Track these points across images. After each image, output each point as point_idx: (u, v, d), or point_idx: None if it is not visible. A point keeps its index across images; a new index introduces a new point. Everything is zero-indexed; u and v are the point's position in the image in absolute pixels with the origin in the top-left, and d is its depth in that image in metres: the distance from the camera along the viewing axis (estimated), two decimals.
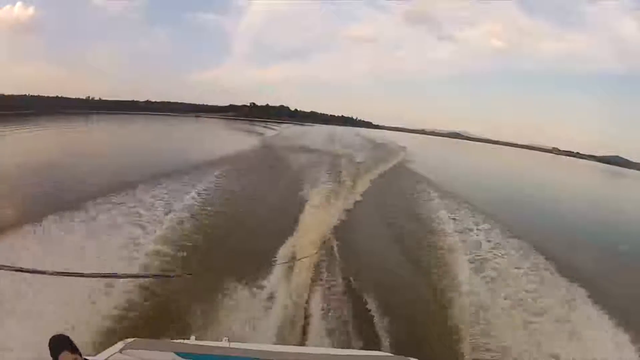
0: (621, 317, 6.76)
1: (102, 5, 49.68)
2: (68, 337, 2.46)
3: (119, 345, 2.94)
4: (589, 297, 7.62)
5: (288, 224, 9.61)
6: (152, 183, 11.66)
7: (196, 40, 56.11)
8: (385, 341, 6.16)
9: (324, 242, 9.28)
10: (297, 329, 6.36)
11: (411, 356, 3.51)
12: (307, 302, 6.92)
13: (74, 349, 2.41)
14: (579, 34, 53.28)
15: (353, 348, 6.04)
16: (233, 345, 3.46)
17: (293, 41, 61.17)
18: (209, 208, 10.43)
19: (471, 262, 8.89)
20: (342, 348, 5.98)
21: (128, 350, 2.80)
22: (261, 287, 6.94)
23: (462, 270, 8.42)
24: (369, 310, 6.58)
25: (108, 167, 15.97)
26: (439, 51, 58.43)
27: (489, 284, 8.06)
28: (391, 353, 4.17)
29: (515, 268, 8.89)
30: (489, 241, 10.42)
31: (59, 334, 2.46)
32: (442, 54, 58.03)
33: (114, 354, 2.77)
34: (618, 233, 14.91)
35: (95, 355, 2.86)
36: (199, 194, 11.60)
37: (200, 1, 47.47)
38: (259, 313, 6.45)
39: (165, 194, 10.89)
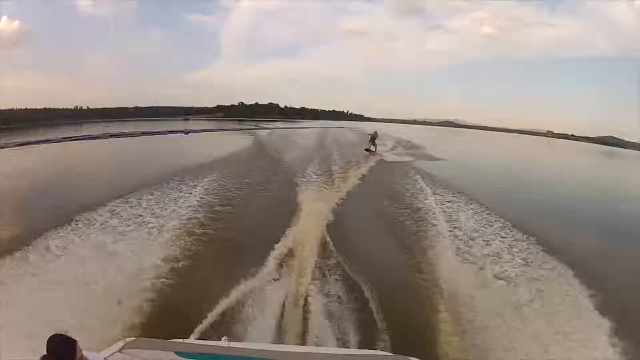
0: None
1: (89, 14, 48.81)
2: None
3: (119, 344, 3.05)
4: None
5: None
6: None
7: (185, 42, 55.23)
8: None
9: None
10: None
11: (411, 355, 3.65)
12: None
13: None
14: (570, 19, 53.14)
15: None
16: (232, 344, 3.59)
17: (282, 37, 60.38)
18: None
19: None
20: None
21: (128, 350, 2.92)
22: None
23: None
24: None
25: (120, 172, 16.62)
26: (430, 41, 57.91)
27: None
28: (391, 353, 4.31)
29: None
30: None
31: (57, 334, 2.56)
32: (434, 44, 57.67)
33: (114, 352, 2.90)
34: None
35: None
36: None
37: (189, 2, 46.66)
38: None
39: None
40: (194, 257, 8.58)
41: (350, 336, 6.27)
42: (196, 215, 11.17)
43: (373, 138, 26.16)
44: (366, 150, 25.44)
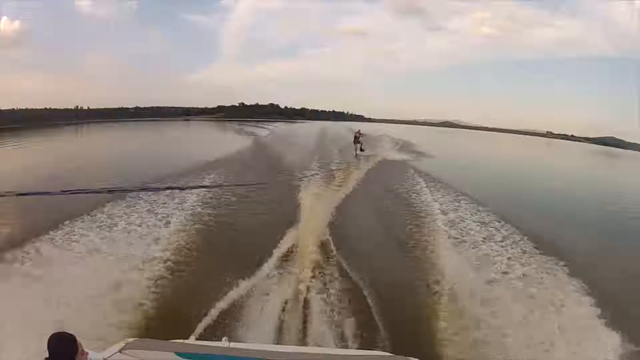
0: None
1: (89, 14, 48.86)
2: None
3: (119, 344, 3.06)
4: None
5: None
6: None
7: (185, 42, 55.22)
8: None
9: None
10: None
11: (412, 355, 3.66)
12: None
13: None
14: (570, 19, 53.06)
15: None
16: (233, 345, 3.60)
17: (282, 38, 60.38)
18: None
19: None
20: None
21: (128, 350, 2.93)
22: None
23: None
24: None
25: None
26: (430, 42, 57.79)
27: None
28: (391, 353, 4.33)
29: None
30: None
31: (56, 332, 2.56)
32: (434, 45, 57.55)
33: (114, 353, 2.90)
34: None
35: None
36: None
37: (189, 2, 46.61)
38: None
39: None
40: None
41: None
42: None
43: (357, 138, 24.62)
44: (356, 155, 23.82)
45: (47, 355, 2.61)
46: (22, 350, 4.76)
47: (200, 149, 27.39)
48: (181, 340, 3.85)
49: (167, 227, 10.60)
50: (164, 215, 11.43)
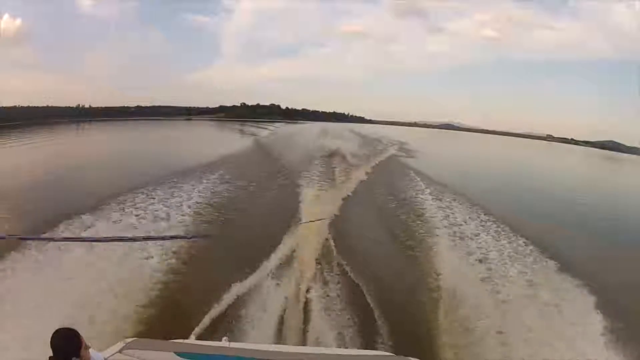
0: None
1: (90, 13, 48.95)
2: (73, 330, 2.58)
3: (119, 345, 3.08)
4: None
5: None
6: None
7: (186, 42, 55.24)
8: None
9: None
10: None
11: (411, 355, 3.68)
12: None
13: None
14: (570, 21, 53.01)
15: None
16: (233, 345, 3.63)
17: (283, 38, 60.37)
18: None
19: None
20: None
21: (128, 350, 2.95)
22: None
23: None
24: None
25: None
26: (431, 43, 57.78)
27: None
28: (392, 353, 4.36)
29: None
30: None
31: (57, 330, 2.54)
32: (434, 46, 57.58)
33: (114, 353, 2.92)
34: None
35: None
36: None
37: (190, 2, 46.58)
38: None
39: None
40: None
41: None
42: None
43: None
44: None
45: (50, 354, 2.58)
46: None
47: (201, 147, 27.58)
48: (181, 340, 3.88)
49: None
50: None
